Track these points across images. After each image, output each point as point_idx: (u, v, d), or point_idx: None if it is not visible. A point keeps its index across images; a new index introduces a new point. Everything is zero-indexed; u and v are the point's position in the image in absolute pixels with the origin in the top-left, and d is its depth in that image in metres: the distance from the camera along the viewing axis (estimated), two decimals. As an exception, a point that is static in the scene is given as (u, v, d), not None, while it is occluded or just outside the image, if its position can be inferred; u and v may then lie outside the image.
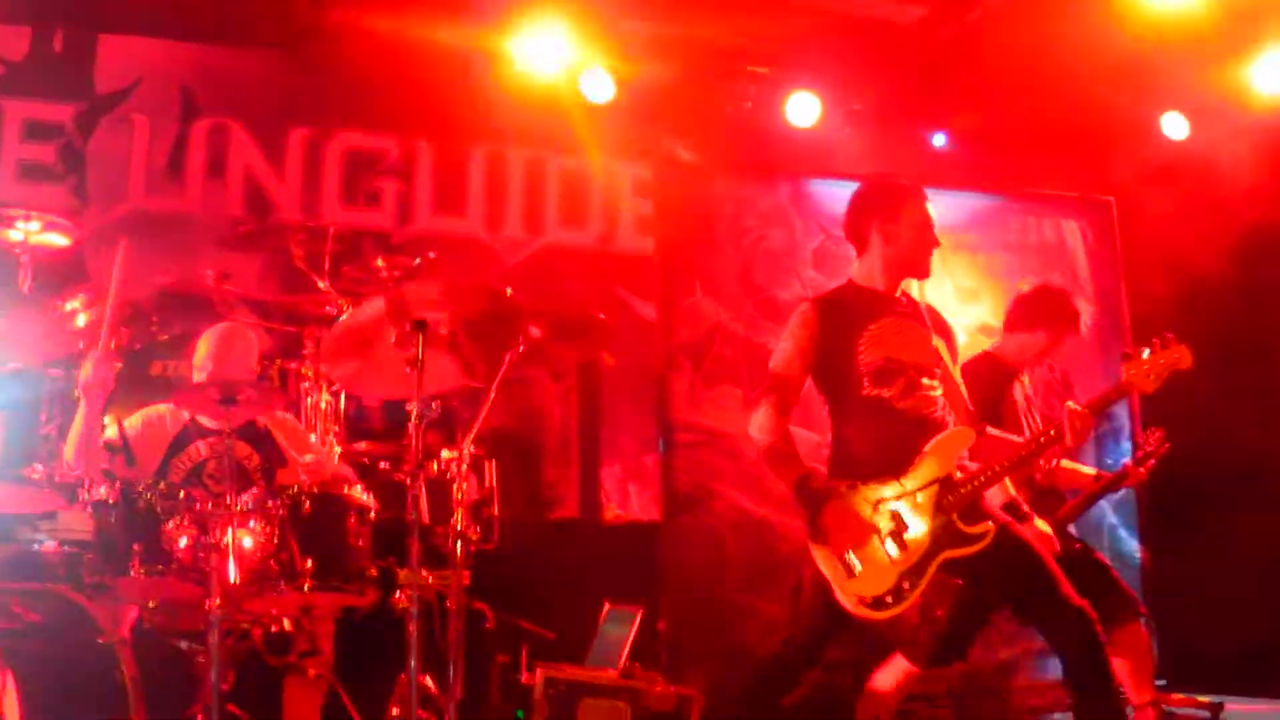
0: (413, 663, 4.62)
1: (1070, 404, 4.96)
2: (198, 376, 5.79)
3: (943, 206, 5.22)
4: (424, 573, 4.93)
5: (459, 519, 5.04)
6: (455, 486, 5.04)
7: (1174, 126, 8.99)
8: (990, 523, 4.77)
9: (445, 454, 5.22)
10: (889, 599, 4.68)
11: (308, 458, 5.45)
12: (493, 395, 5.07)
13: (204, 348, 5.86)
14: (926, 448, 4.85)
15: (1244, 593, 7.88)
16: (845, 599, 4.72)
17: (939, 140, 9.45)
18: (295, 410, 6.63)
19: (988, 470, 4.89)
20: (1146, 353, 4.88)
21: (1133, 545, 7.60)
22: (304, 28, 8.25)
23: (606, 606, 6.05)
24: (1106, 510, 7.48)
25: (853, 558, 4.72)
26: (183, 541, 4.77)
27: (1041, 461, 6.11)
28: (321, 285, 7.01)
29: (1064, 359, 7.77)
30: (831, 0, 8.13)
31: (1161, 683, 7.24)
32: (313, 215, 8.28)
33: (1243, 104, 8.43)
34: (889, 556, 4.72)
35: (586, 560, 6.77)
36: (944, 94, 9.30)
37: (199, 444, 5.76)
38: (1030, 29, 8.17)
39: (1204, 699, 7.13)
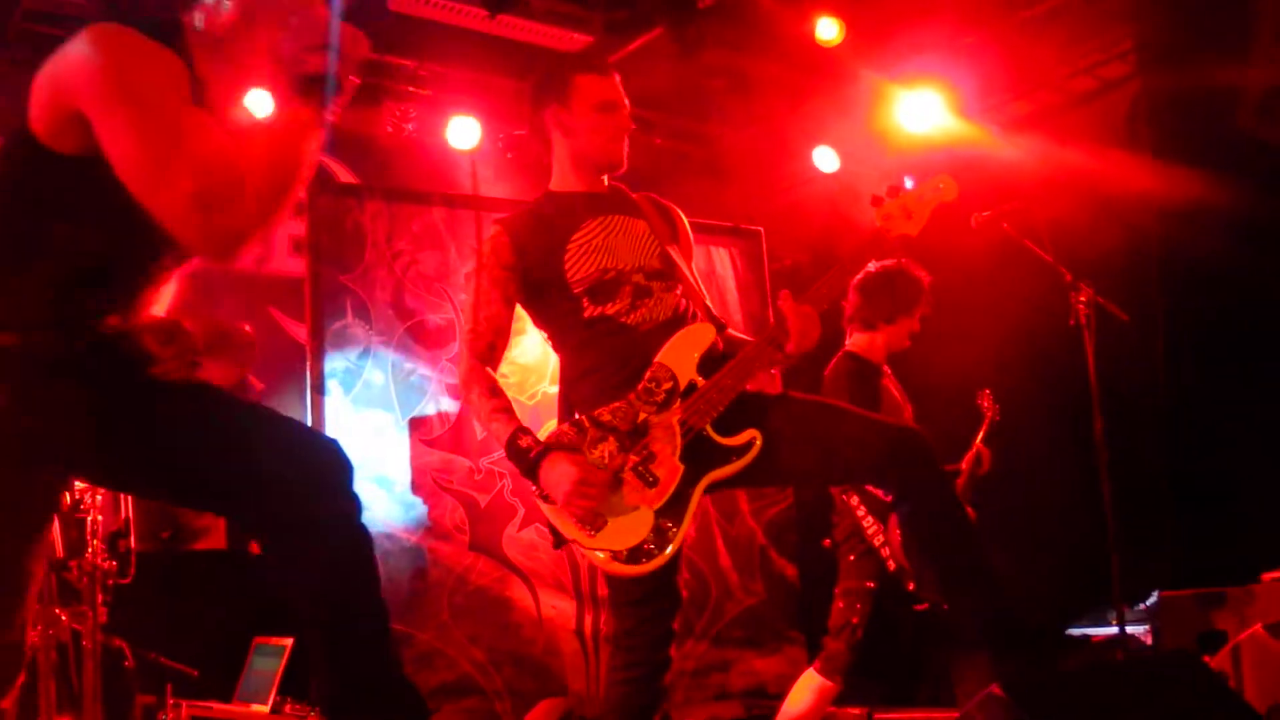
0: (46, 705, 4.45)
1: (784, 300, 4.09)
2: None
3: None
4: (57, 610, 4.76)
5: (94, 552, 4.87)
6: (89, 518, 4.87)
7: (825, 160, 9.32)
8: (754, 429, 3.89)
9: (78, 484, 5.00)
10: (649, 546, 3.80)
11: None
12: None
13: None
14: (656, 357, 3.98)
15: (891, 607, 8.20)
16: (597, 559, 3.84)
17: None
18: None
19: (735, 367, 3.97)
20: (901, 191, 4.07)
21: (784, 565, 7.79)
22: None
23: (255, 640, 5.91)
24: (756, 531, 7.66)
25: (593, 511, 3.82)
26: None
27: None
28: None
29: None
30: (497, 24, 8.14)
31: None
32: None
33: (890, 140, 8.78)
34: (636, 496, 3.85)
35: (234, 592, 6.61)
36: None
37: None
38: (690, 62, 8.36)
39: (854, 709, 7.38)
